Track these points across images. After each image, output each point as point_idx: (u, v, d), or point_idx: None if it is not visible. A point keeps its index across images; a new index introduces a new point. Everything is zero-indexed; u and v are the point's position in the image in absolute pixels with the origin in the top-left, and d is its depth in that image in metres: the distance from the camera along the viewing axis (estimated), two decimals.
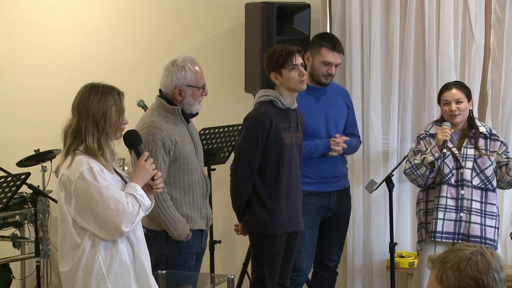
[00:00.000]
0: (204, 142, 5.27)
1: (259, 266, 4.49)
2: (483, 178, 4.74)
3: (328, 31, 5.77)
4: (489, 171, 4.74)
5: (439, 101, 4.86)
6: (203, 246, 4.44)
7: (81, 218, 3.30)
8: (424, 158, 4.71)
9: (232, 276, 4.28)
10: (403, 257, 5.45)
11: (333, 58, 4.93)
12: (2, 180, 4.81)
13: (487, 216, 4.71)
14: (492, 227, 4.73)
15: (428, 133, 4.85)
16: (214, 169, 5.49)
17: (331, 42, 4.96)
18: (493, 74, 5.38)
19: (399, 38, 5.48)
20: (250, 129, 4.41)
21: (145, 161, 3.46)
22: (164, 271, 4.20)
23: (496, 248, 4.76)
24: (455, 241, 4.69)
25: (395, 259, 5.19)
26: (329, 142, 4.90)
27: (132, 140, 3.58)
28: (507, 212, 5.35)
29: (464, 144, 4.77)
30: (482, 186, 4.73)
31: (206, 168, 5.38)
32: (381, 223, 5.57)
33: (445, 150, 4.66)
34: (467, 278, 2.14)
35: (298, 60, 4.41)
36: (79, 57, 6.48)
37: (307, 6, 5.62)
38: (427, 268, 4.63)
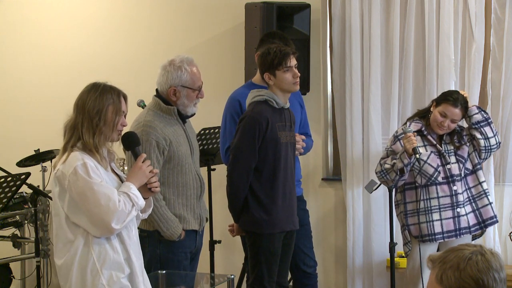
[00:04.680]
0: (204, 142, 5.26)
1: (258, 267, 4.45)
2: (463, 167, 4.77)
3: (328, 31, 5.78)
4: (467, 158, 4.80)
5: (438, 102, 4.75)
6: (197, 246, 4.43)
7: (73, 213, 3.31)
8: (394, 163, 4.70)
9: (232, 276, 4.28)
10: (403, 257, 5.44)
11: None
12: (2, 180, 4.81)
13: (476, 199, 4.76)
14: (485, 206, 4.77)
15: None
16: (214, 169, 5.49)
17: (283, 40, 4.80)
18: (493, 74, 5.38)
19: (399, 38, 5.47)
20: (246, 129, 4.38)
21: (143, 162, 3.46)
22: (164, 271, 4.20)
23: (497, 221, 4.85)
24: (457, 237, 4.73)
25: (395, 259, 5.19)
26: None
27: (130, 141, 3.57)
28: (507, 212, 5.36)
29: (443, 141, 4.79)
30: (463, 175, 4.77)
31: (206, 168, 5.39)
32: (381, 223, 5.58)
33: (418, 155, 4.60)
34: (467, 278, 2.14)
35: (293, 61, 4.37)
36: (79, 57, 6.49)
37: (307, 6, 5.62)
38: (426, 269, 4.66)
